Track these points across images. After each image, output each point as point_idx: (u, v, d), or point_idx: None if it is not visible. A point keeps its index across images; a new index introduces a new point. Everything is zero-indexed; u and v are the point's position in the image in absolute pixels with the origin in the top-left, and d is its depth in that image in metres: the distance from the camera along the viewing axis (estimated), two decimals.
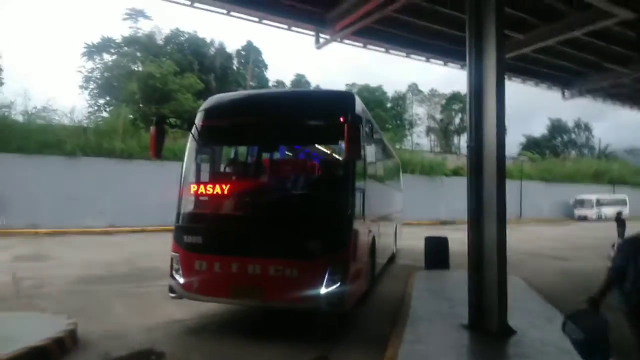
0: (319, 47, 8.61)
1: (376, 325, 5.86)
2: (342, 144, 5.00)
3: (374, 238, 7.30)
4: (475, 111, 5.51)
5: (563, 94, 13.03)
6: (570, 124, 67.24)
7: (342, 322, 5.97)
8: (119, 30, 47.30)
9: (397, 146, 37.68)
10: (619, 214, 17.43)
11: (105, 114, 32.10)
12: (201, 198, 5.87)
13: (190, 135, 5.93)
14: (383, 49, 9.71)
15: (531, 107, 70.32)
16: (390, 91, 56.24)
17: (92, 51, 35.22)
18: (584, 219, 38.84)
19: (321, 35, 8.62)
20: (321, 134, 5.86)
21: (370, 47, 9.51)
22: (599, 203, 40.18)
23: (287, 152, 7.07)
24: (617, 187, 45.34)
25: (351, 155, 5.01)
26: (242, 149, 6.65)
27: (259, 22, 8.08)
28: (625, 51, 9.92)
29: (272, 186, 6.01)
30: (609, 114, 68.55)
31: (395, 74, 78.18)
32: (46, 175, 19.97)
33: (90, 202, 20.68)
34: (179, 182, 6.04)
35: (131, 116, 28.46)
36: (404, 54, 10.04)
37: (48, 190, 19.78)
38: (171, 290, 5.64)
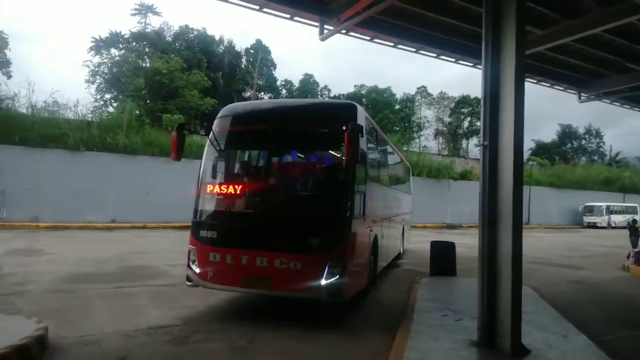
0: (323, 39, 8.12)
1: (376, 340, 5.35)
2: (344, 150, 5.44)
3: (375, 237, 7.77)
4: (490, 108, 5.00)
5: (579, 96, 12.43)
6: (581, 130, 66.22)
7: (340, 335, 5.53)
8: (128, 25, 47.16)
9: (405, 148, 37.10)
10: (633, 221, 16.69)
11: (111, 109, 31.93)
12: (216, 197, 6.47)
13: (208, 140, 6.56)
14: (391, 43, 9.17)
15: (540, 112, 69.26)
16: (399, 93, 55.63)
17: (100, 45, 35.00)
18: (593, 226, 38.16)
19: (325, 26, 8.13)
20: (324, 141, 6.48)
21: (378, 40, 8.96)
22: (609, 210, 39.43)
23: (297, 155, 7.47)
24: (628, 195, 44.48)
25: (350, 161, 5.50)
26: (254, 153, 7.03)
27: (260, 10, 7.61)
28: None
29: (279, 187, 6.50)
30: (620, 121, 67.50)
31: (404, 77, 77.82)
32: (49, 169, 19.88)
33: (93, 197, 20.56)
34: (195, 180, 6.63)
35: (137, 112, 28.22)
36: (414, 50, 9.50)
37: (50, 184, 19.68)
38: (188, 279, 6.23)
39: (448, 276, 9.44)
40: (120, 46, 35.69)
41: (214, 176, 6.69)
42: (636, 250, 12.79)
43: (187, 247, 6.29)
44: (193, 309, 6.41)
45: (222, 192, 6.40)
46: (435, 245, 9.93)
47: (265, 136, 6.39)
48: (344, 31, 8.27)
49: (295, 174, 6.82)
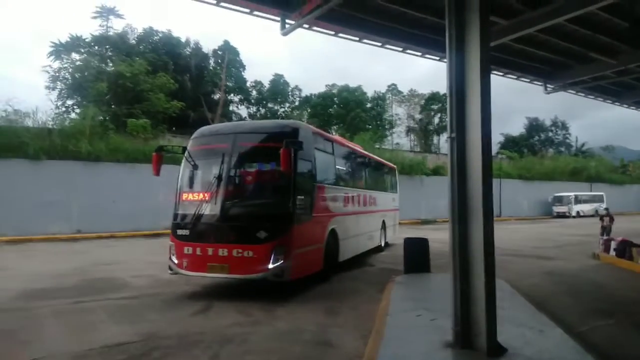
0: (284, 34, 7.81)
1: (349, 346, 5.09)
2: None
3: (333, 230, 9.35)
4: (457, 100, 4.81)
5: (545, 87, 12.50)
6: (548, 123, 67.82)
7: (311, 344, 5.25)
8: (89, 29, 45.50)
9: (377, 146, 37.15)
10: (606, 209, 16.67)
11: (74, 116, 30.66)
12: (189, 202, 7.99)
13: (184, 156, 8.31)
14: (356, 38, 8.93)
15: (509, 107, 70.83)
16: (370, 92, 55.75)
17: (60, 50, 33.62)
18: (562, 215, 39.04)
19: (287, 20, 7.84)
20: (270, 155, 7.53)
21: (343, 35, 8.71)
22: (577, 200, 40.41)
23: (251, 167, 8.59)
24: (594, 184, 45.76)
25: (285, 170, 7.13)
26: (218, 166, 7.96)
27: (217, 4, 7.27)
28: (612, 41, 9.40)
29: (236, 193, 7.87)
30: (584, 113, 69.67)
31: (375, 77, 78.31)
32: (8, 180, 18.78)
33: (56, 208, 19.57)
34: (173, 189, 8.40)
35: (101, 117, 27.23)
36: (379, 44, 9.29)
37: (10, 195, 18.60)
38: (170, 268, 7.91)
39: (422, 273, 9.30)
40: (82, 50, 34.40)
41: (188, 186, 8.22)
42: (604, 238, 12.97)
43: (168, 244, 8.02)
44: (155, 323, 6.03)
45: (193, 198, 7.93)
46: (409, 242, 9.79)
47: (225, 152, 7.82)
48: (306, 26, 7.99)
49: (248, 183, 8.18)
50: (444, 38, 5.06)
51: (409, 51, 9.73)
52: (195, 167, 8.20)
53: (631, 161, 59.13)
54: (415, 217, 30.18)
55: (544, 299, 7.34)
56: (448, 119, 4.87)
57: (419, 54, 9.94)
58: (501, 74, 11.52)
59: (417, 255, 9.48)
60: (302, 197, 7.78)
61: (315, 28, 8.27)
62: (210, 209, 7.64)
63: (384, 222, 14.72)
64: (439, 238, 14.06)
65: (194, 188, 8.16)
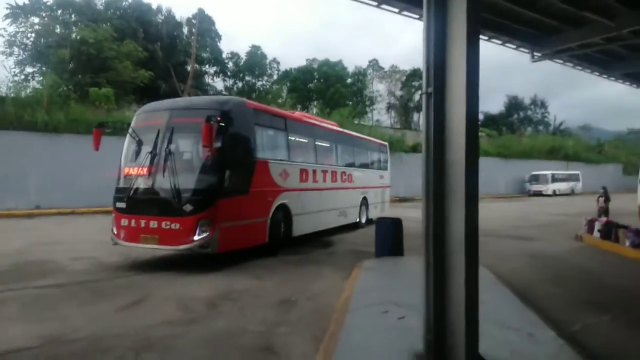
0: None
1: (295, 350, 4.16)
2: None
3: (284, 205, 9.67)
4: (435, 47, 3.80)
5: (532, 55, 11.55)
6: (527, 101, 67.51)
7: (255, 350, 4.30)
8: None
9: (356, 122, 36.11)
10: (604, 188, 15.78)
11: (35, 84, 28.50)
12: (126, 177, 8.32)
13: (127, 132, 8.57)
14: None
15: (488, 84, 70.13)
16: (350, 67, 54.22)
17: (17, 13, 31.10)
18: (539, 194, 38.85)
19: None
20: (199, 130, 7.31)
21: None
22: (554, 178, 40.25)
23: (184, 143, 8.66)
24: (571, 163, 45.81)
25: (206, 145, 7.24)
26: (154, 141, 8.12)
27: None
28: (607, 1, 8.46)
29: (167, 168, 7.87)
30: (563, 93, 69.63)
31: (356, 51, 76.68)
32: None
33: (10, 182, 18.02)
34: (117, 161, 8.63)
35: (64, 87, 25.30)
36: None
37: None
38: (112, 239, 8.31)
39: (395, 256, 8.44)
40: (42, 14, 31.97)
41: (128, 160, 8.46)
42: (588, 218, 12.31)
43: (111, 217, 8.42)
44: (68, 321, 4.96)
45: (131, 173, 8.19)
46: (381, 223, 8.88)
47: (160, 129, 8.07)
48: None
49: (178, 158, 8.08)
50: None
51: (384, 6, 8.56)
52: (135, 142, 8.42)
53: (607, 141, 59.56)
54: (394, 194, 29.47)
55: (528, 288, 6.54)
56: (424, 70, 3.83)
57: (396, 10, 8.77)
58: (486, 37, 10.46)
59: (389, 238, 8.58)
60: (234, 171, 8.09)
61: None
62: (144, 183, 7.98)
63: (365, 198, 14.84)
64: (417, 217, 13.27)
65: (133, 163, 8.34)
